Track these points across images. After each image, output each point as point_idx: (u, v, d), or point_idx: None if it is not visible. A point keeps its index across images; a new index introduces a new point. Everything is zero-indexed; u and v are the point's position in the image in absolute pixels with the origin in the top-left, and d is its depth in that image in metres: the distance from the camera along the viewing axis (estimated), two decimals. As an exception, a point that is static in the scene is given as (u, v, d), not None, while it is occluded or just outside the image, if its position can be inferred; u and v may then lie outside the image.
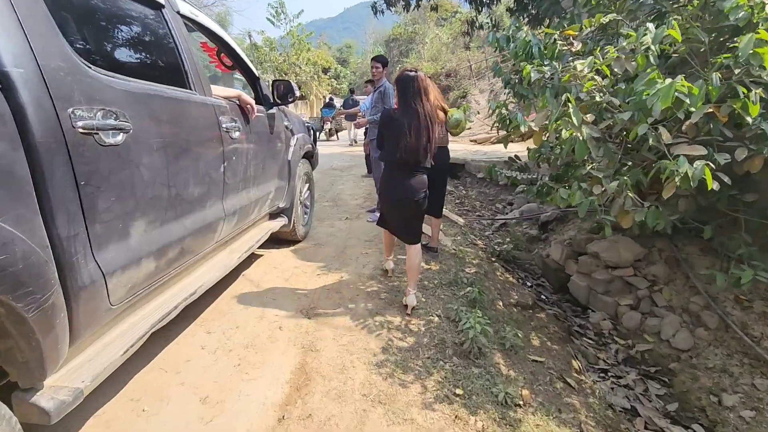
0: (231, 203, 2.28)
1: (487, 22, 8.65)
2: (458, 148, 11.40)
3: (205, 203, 2.00)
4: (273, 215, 3.31)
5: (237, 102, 2.42)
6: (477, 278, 3.31)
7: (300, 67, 21.14)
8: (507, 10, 8.61)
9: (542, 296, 3.91)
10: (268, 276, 3.05)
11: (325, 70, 24.82)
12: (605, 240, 3.62)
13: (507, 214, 6.73)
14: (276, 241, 3.61)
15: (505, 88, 3.60)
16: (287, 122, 3.34)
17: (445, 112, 3.00)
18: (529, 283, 4.02)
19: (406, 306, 2.62)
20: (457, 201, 7.73)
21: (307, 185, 3.87)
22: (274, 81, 3.01)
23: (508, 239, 4.92)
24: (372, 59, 4.14)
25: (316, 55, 22.32)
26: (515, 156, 3.90)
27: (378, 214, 3.04)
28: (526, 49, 2.84)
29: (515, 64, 3.22)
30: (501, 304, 3.18)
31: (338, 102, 16.49)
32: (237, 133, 2.28)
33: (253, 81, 2.92)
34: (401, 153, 2.32)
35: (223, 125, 2.14)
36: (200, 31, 2.37)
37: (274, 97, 2.99)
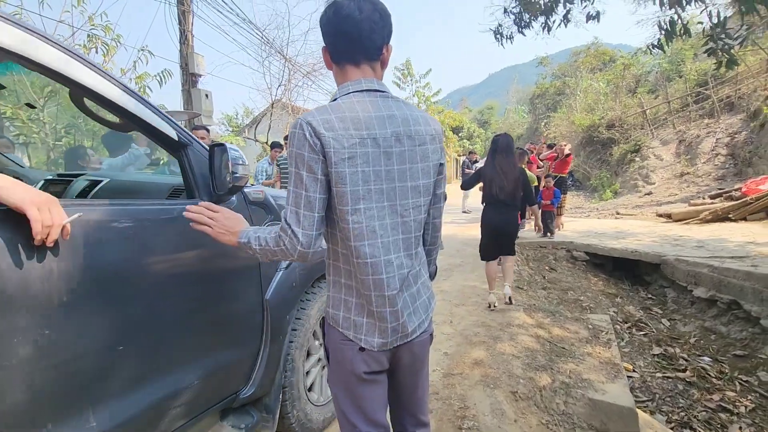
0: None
1: (701, 23, 4.91)
2: (640, 230, 6.93)
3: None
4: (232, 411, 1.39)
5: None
6: None
7: (427, 128, 19.22)
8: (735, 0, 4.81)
9: None
10: None
11: (456, 130, 22.44)
12: None
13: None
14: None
15: None
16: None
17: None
18: None
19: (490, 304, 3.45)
20: (654, 348, 3.78)
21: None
22: (211, 146, 1.19)
23: None
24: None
25: (445, 115, 20.30)
26: None
27: None
28: None
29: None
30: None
31: (482, 161, 13.52)
32: None
33: (175, 149, 1.19)
34: (493, 194, 3.37)
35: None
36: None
37: (213, 183, 1.18)
